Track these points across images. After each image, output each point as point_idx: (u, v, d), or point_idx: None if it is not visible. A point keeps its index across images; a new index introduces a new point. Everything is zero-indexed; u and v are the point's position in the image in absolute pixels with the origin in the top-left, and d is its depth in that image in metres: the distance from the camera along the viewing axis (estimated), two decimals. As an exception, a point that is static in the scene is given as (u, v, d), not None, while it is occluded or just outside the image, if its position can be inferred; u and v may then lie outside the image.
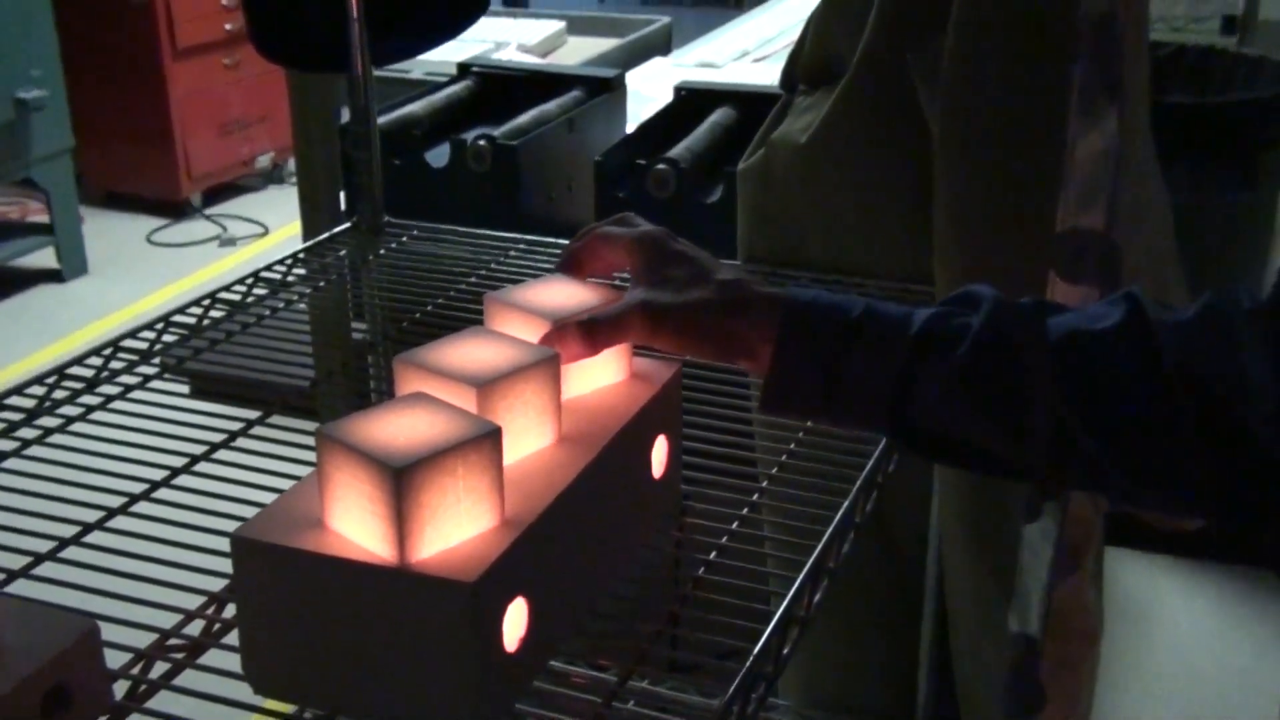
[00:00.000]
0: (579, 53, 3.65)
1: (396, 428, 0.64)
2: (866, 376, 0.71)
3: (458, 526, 0.63)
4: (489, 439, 0.64)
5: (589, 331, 0.75)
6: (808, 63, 1.22)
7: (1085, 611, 1.11)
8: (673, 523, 0.86)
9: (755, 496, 0.91)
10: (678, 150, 1.94)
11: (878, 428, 0.74)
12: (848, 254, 1.22)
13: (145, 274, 4.07)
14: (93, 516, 0.86)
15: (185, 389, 1.11)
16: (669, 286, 0.75)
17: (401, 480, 0.60)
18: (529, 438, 0.72)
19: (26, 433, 0.96)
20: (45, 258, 4.05)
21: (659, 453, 0.81)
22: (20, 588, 0.79)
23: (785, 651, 0.74)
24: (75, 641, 0.63)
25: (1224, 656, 2.27)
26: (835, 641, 1.30)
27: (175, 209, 4.51)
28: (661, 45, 3.73)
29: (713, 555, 0.84)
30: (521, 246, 1.32)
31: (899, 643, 1.26)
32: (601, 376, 0.79)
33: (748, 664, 0.71)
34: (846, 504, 0.86)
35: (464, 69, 2.48)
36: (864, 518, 0.88)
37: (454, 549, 0.63)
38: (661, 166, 1.87)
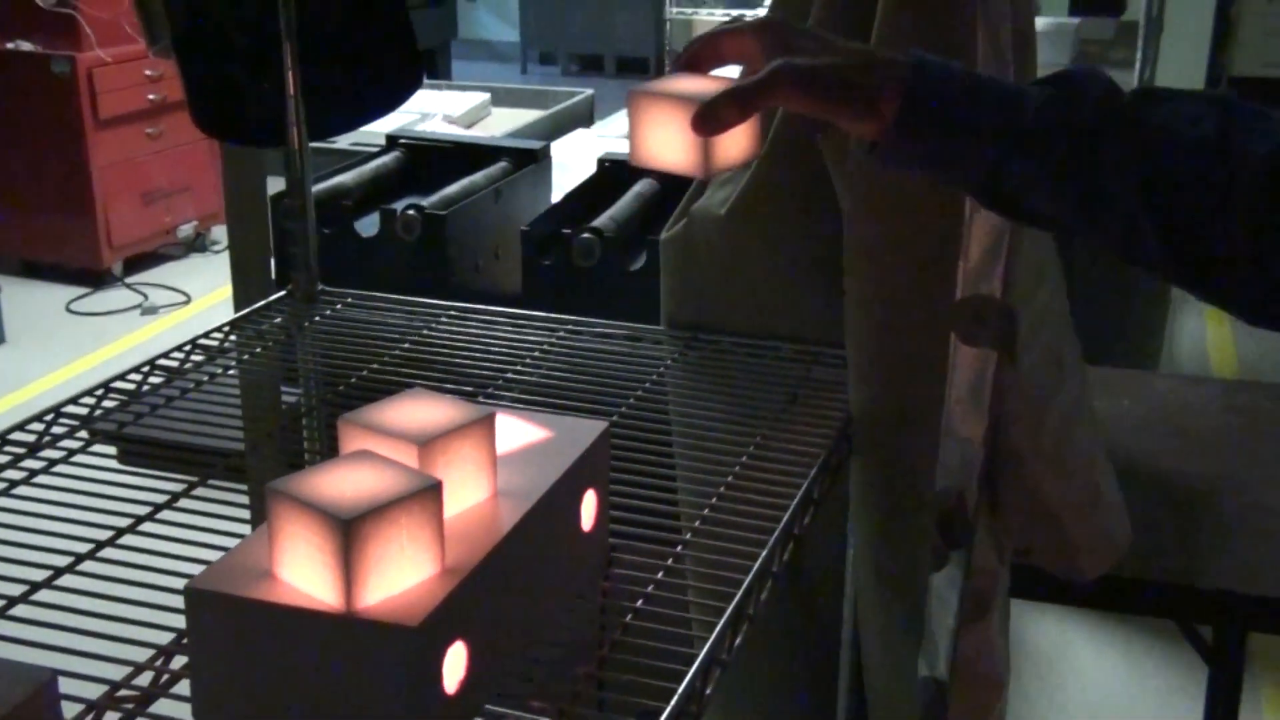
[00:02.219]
0: (503, 124, 3.73)
1: (344, 483, 0.68)
2: (976, 147, 0.78)
3: (401, 574, 0.68)
4: (431, 492, 0.69)
5: (738, 97, 0.79)
6: (726, 139, 1.30)
7: (992, 659, 1.17)
8: (601, 572, 0.91)
9: (679, 548, 0.96)
10: (602, 220, 2.00)
11: (975, 194, 0.82)
12: (767, 321, 1.29)
13: (64, 343, 4.03)
14: (39, 575, 0.88)
15: (125, 453, 1.14)
16: (804, 54, 0.80)
17: (349, 531, 0.65)
18: (467, 491, 0.76)
19: (-31, 497, 0.99)
20: (-39, 327, 4.00)
21: (588, 506, 0.86)
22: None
23: (708, 692, 0.79)
24: (34, 692, 0.66)
25: (1129, 705, 2.35)
26: (756, 691, 1.35)
27: (95, 278, 4.48)
28: (585, 117, 3.82)
29: (639, 603, 0.89)
30: (453, 313, 1.37)
31: (818, 690, 1.31)
32: (741, 145, 0.83)
33: (673, 701, 0.75)
34: (764, 554, 0.92)
35: (392, 140, 2.54)
36: (781, 567, 0.94)
37: (398, 596, 0.67)
38: (587, 235, 1.93)
